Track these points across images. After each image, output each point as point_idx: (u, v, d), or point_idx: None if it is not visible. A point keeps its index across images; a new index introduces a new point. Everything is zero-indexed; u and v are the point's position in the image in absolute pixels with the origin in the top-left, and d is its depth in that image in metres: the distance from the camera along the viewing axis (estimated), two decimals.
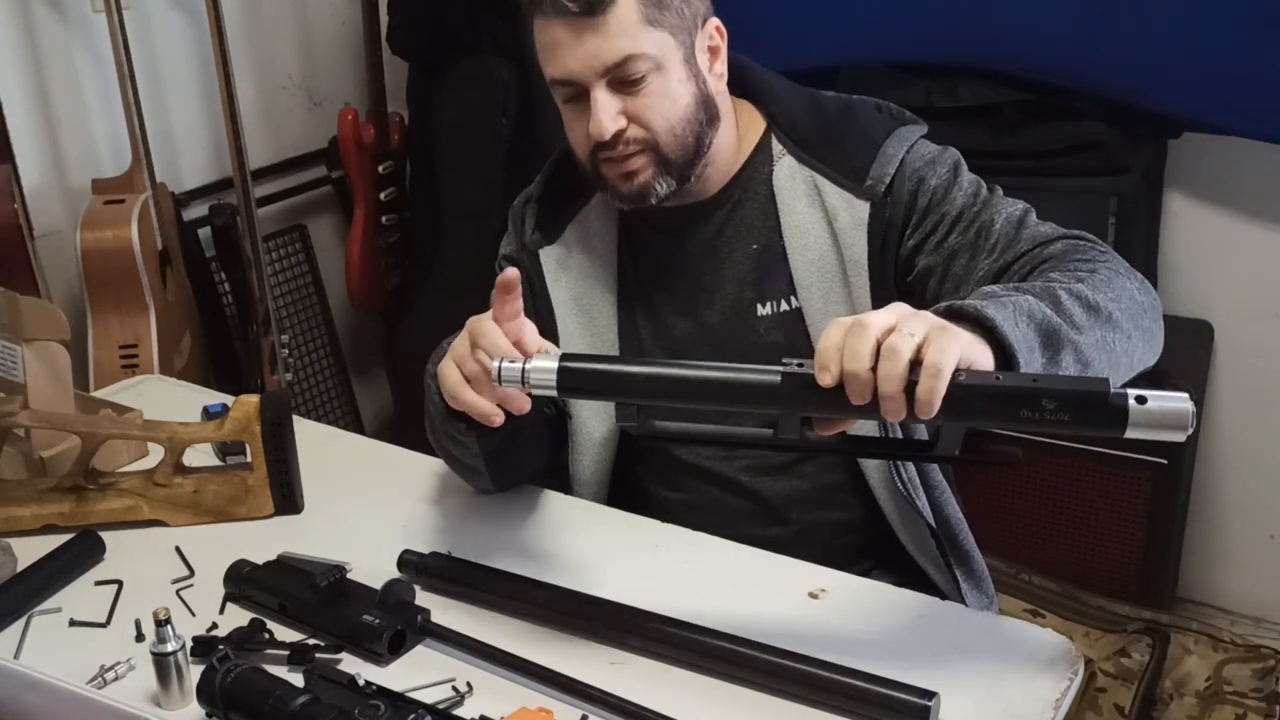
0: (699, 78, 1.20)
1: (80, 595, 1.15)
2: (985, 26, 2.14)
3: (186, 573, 1.18)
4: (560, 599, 1.07)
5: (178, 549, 1.22)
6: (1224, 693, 2.04)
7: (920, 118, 1.27)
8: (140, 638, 1.07)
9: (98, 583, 1.17)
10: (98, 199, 2.06)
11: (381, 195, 2.59)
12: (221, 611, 1.11)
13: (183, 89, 2.36)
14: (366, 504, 1.30)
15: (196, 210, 2.37)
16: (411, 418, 1.23)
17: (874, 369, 0.84)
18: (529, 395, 0.99)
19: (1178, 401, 0.81)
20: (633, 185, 1.20)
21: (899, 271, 1.23)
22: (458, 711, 0.96)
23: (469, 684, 0.99)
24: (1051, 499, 2.20)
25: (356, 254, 2.60)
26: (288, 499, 1.28)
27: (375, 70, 2.52)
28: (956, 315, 0.91)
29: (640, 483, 1.37)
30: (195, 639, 1.02)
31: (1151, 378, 1.04)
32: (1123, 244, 2.12)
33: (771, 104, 1.29)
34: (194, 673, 0.96)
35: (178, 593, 1.14)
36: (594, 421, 1.31)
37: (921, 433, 1.27)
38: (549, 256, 1.31)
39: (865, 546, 1.31)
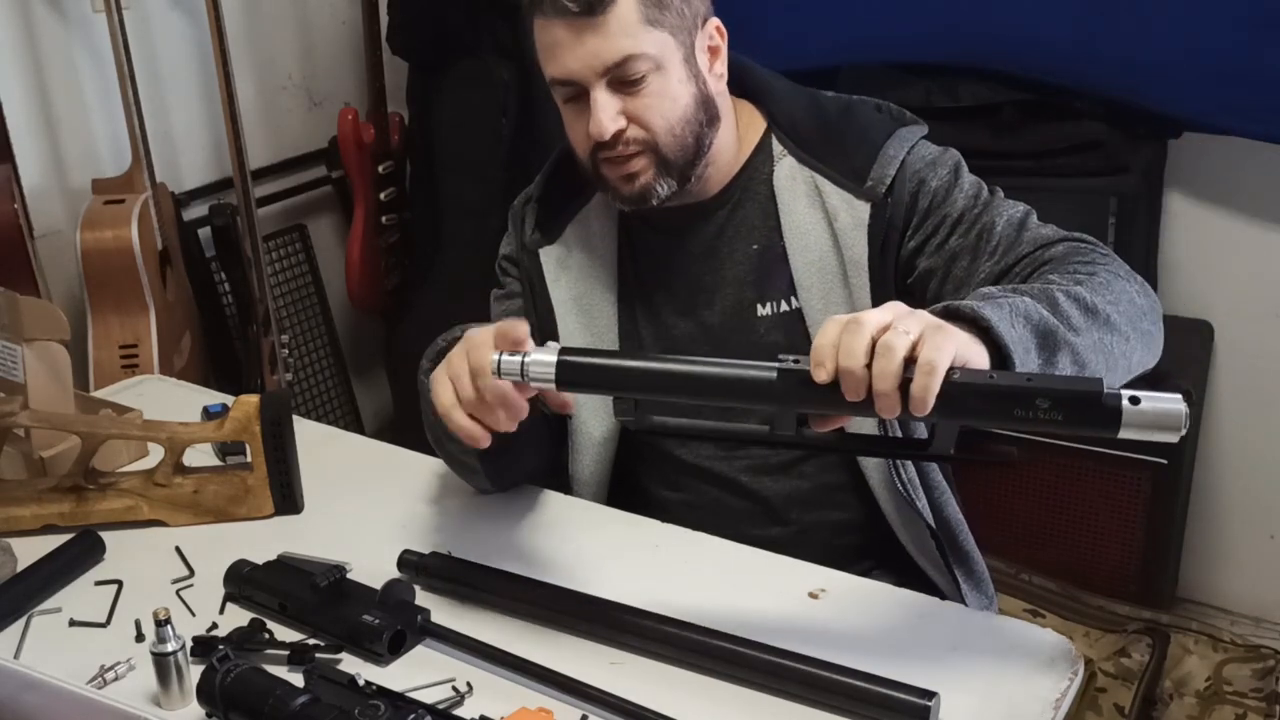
0: (699, 78, 1.20)
1: (80, 595, 1.15)
2: (985, 26, 2.14)
3: (186, 573, 1.18)
4: (560, 599, 1.07)
5: (178, 549, 1.22)
6: (1224, 693, 2.04)
7: (920, 118, 1.27)
8: (140, 638, 1.07)
9: (98, 583, 1.17)
10: (98, 199, 2.06)
11: (381, 195, 2.59)
12: (221, 611, 1.11)
13: (183, 89, 2.36)
14: (366, 504, 1.30)
15: (196, 210, 2.37)
16: (411, 418, 1.23)
17: (869, 366, 0.84)
18: (528, 387, 0.98)
19: (1171, 403, 0.82)
20: (634, 187, 1.20)
21: (899, 273, 1.23)
22: (458, 711, 0.96)
23: (469, 684, 0.99)
24: (1051, 499, 2.20)
25: (356, 254, 2.61)
26: (288, 499, 1.28)
27: (375, 70, 2.52)
28: (953, 315, 0.91)
29: (640, 483, 1.37)
30: (195, 639, 1.02)
31: (1151, 378, 1.04)
32: (1123, 244, 2.12)
33: (772, 104, 1.29)
34: (194, 673, 0.96)
35: (178, 593, 1.14)
36: (594, 421, 1.31)
37: (919, 432, 1.27)
38: (549, 256, 1.31)
39: (865, 547, 1.31)
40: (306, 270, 2.69)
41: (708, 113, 1.21)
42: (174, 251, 2.18)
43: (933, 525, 1.26)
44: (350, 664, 1.02)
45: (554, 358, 0.95)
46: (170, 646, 0.96)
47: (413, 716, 0.87)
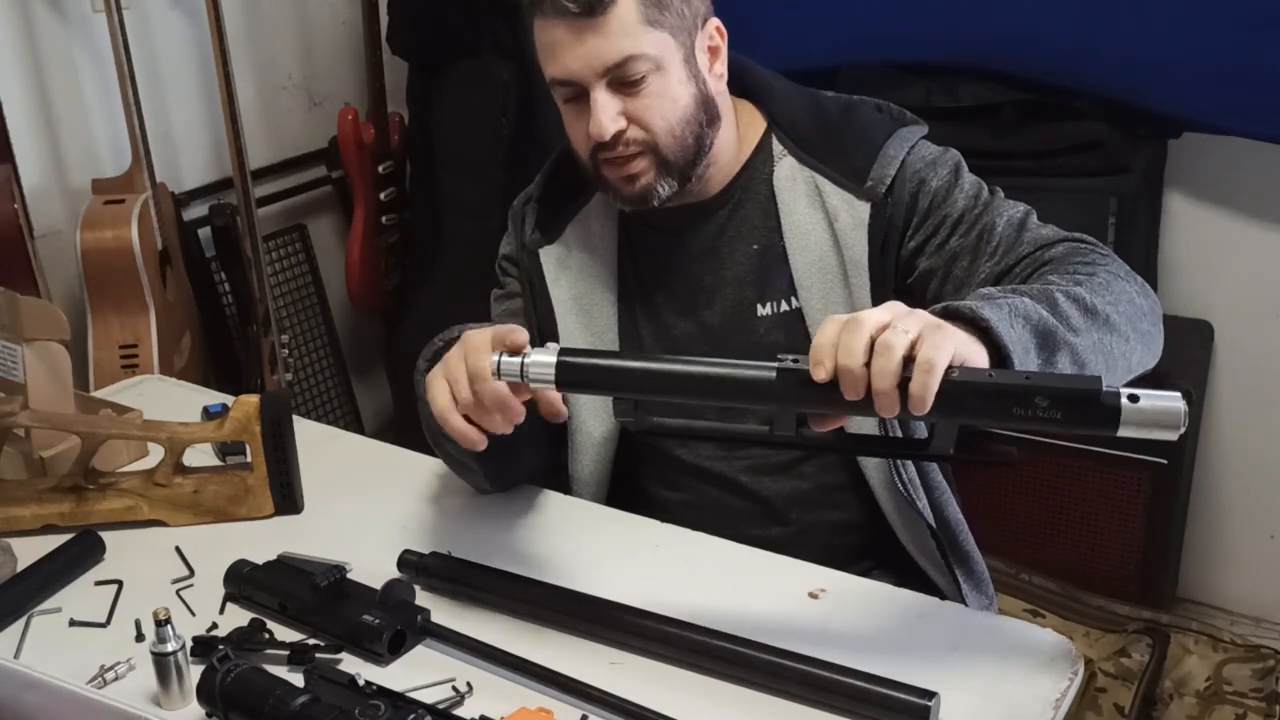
0: (699, 78, 1.20)
1: (80, 595, 1.15)
2: (985, 26, 2.14)
3: (186, 573, 1.18)
4: (560, 599, 1.07)
5: (178, 549, 1.22)
6: (1224, 693, 2.04)
7: (920, 118, 1.27)
8: (140, 638, 1.07)
9: (98, 583, 1.17)
10: (98, 199, 2.06)
11: (381, 195, 2.59)
12: (221, 611, 1.11)
13: (183, 89, 2.36)
14: (366, 504, 1.30)
15: (196, 210, 2.37)
16: (411, 418, 1.23)
17: (868, 365, 0.84)
18: (526, 389, 0.98)
19: (1170, 400, 0.82)
20: (635, 188, 1.20)
21: (899, 273, 1.23)
22: (458, 711, 0.96)
23: (469, 684, 0.99)
24: (1051, 499, 2.20)
25: (356, 254, 2.61)
26: (288, 499, 1.28)
27: (375, 70, 2.52)
28: (952, 316, 0.91)
29: (640, 483, 1.37)
30: (195, 639, 1.02)
31: (1151, 379, 1.04)
32: (1123, 244, 2.12)
33: (772, 104, 1.29)
34: (194, 673, 0.96)
35: (178, 593, 1.14)
36: (593, 421, 1.31)
37: (919, 432, 1.27)
38: (549, 256, 1.31)
39: (865, 547, 1.31)
40: (306, 270, 2.69)
41: (708, 113, 1.21)
42: (174, 251, 2.18)
43: (933, 525, 1.26)
44: (350, 664, 1.02)
45: (554, 358, 0.95)
46: (170, 646, 0.96)
47: (413, 716, 0.87)
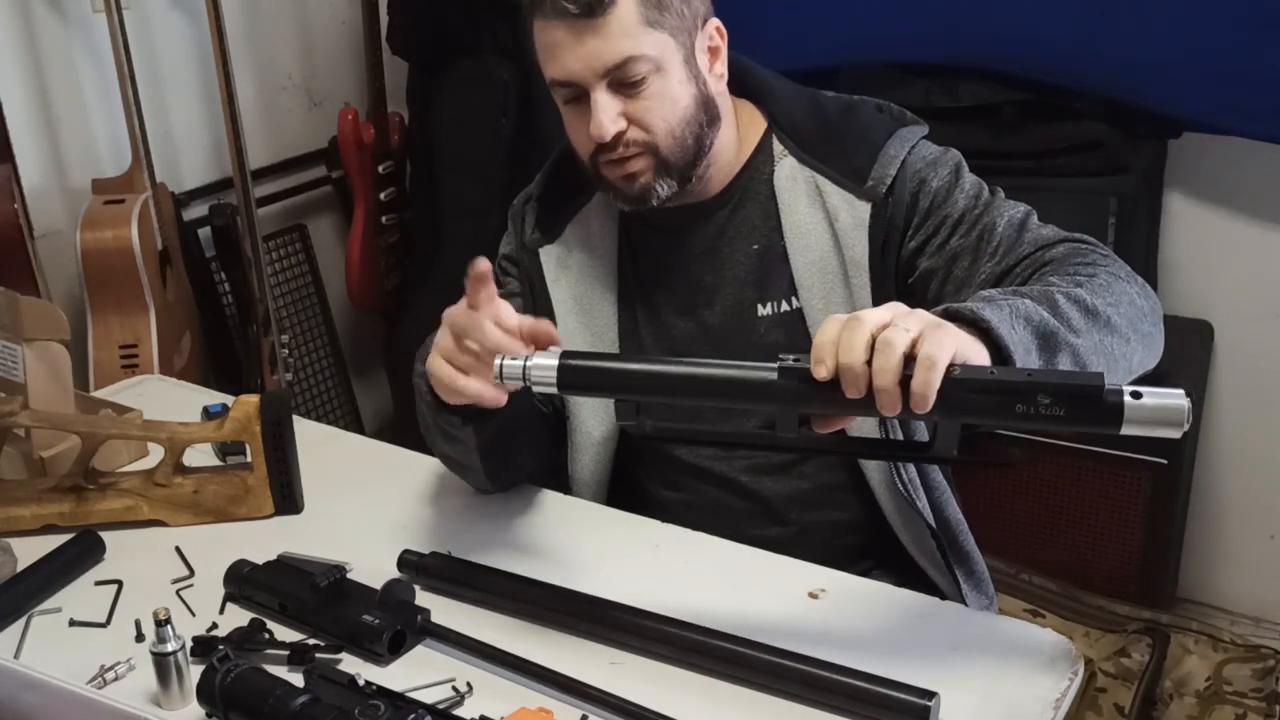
0: (699, 79, 1.20)
1: (80, 595, 1.15)
2: (985, 26, 2.14)
3: (186, 573, 1.18)
4: (560, 599, 1.07)
5: (178, 549, 1.22)
6: (1224, 693, 2.04)
7: (920, 118, 1.27)
8: (140, 638, 1.07)
9: (98, 583, 1.17)
10: (98, 199, 2.06)
11: (381, 195, 2.59)
12: (221, 611, 1.11)
13: (183, 89, 2.36)
14: (366, 504, 1.30)
15: (196, 210, 2.37)
16: (411, 418, 1.23)
17: (869, 362, 0.84)
18: (532, 391, 0.99)
19: (1173, 397, 0.81)
20: (634, 188, 1.20)
21: (900, 273, 1.23)
22: (458, 711, 0.96)
23: (469, 684, 0.99)
24: (1051, 499, 2.20)
25: (356, 254, 2.61)
26: (288, 499, 1.28)
27: (375, 70, 2.52)
28: (953, 317, 0.91)
29: (640, 483, 1.37)
30: (195, 639, 1.02)
31: (1151, 379, 1.04)
32: (1123, 244, 2.12)
33: (772, 104, 1.29)
34: (194, 673, 0.96)
35: (178, 593, 1.14)
36: (593, 421, 1.31)
37: (921, 434, 1.27)
38: (549, 256, 1.31)
39: (865, 546, 1.31)
40: (306, 270, 2.68)
41: (708, 113, 1.21)
42: (174, 251, 2.18)
43: (933, 525, 1.26)
44: (350, 664, 1.02)
45: (555, 361, 0.95)
46: (170, 646, 0.96)
47: (413, 716, 0.87)
